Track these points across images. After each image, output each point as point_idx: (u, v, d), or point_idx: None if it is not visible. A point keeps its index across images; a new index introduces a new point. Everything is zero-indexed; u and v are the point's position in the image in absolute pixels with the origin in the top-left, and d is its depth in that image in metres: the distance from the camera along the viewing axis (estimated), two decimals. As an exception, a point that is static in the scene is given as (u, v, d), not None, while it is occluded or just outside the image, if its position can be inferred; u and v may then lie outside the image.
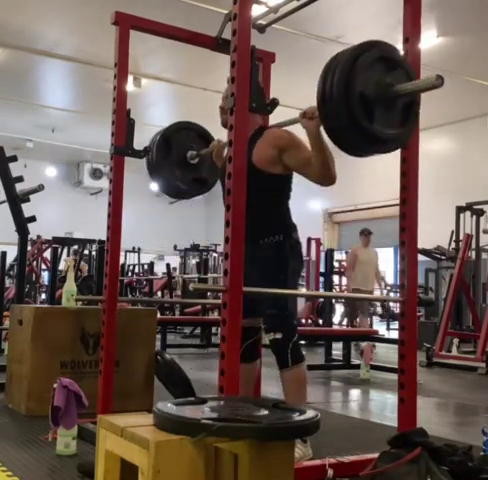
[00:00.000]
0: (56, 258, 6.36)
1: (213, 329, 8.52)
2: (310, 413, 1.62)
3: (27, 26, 8.71)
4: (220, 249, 12.48)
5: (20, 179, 5.17)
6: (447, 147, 12.36)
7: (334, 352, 6.93)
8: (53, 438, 2.77)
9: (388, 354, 8.12)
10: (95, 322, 3.32)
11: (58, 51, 9.52)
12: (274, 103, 2.33)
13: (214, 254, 14.06)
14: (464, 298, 8.36)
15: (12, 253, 6.88)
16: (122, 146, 3.01)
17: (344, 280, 11.86)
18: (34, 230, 5.95)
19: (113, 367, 3.04)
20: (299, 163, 2.67)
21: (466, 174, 11.65)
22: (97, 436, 1.74)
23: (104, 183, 15.75)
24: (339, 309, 12.59)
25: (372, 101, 2.07)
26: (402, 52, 2.34)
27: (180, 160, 3.24)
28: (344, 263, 11.86)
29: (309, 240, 10.62)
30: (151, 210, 17.24)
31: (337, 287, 11.85)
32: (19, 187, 5.20)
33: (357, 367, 6.03)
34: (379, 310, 14.50)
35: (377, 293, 10.10)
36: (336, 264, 10.99)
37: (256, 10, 2.58)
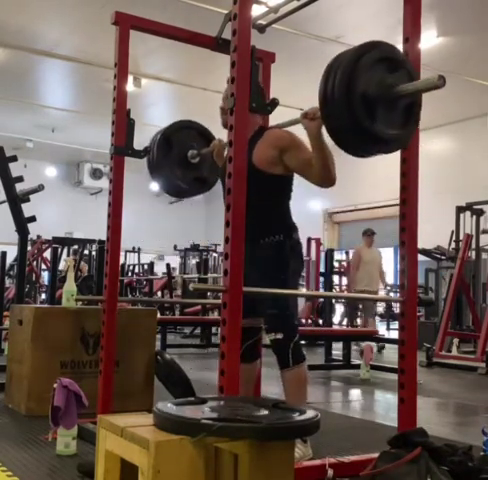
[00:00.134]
0: (56, 258, 6.36)
1: (213, 329, 8.52)
2: (310, 413, 1.62)
3: (27, 26, 8.71)
4: (220, 249, 12.49)
5: (20, 179, 5.17)
6: (447, 147, 12.36)
7: (334, 352, 6.93)
8: (53, 438, 2.77)
9: (388, 354, 8.13)
10: (95, 322, 3.32)
11: (58, 51, 9.52)
12: (274, 103, 2.33)
13: (214, 254, 14.07)
14: (464, 298, 8.36)
15: (12, 253, 6.88)
16: (122, 146, 3.01)
17: (344, 280, 11.87)
18: (34, 230, 5.95)
19: (113, 367, 3.04)
20: (299, 164, 2.67)
21: (466, 174, 11.65)
22: (97, 436, 1.74)
23: (104, 183, 15.75)
24: (339, 309, 12.58)
25: (374, 101, 2.06)
26: (402, 52, 2.34)
27: (181, 159, 3.24)
28: (344, 263, 11.88)
29: (309, 240, 10.63)
30: (151, 210, 17.25)
31: (337, 287, 11.85)
32: (19, 187, 5.20)
33: (357, 367, 6.04)
34: (380, 310, 14.49)
35: (381, 293, 10.06)
36: (336, 264, 11.00)
37: (256, 10, 2.58)
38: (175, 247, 14.43)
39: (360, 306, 11.02)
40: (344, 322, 11.76)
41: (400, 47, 2.33)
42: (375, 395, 5.13)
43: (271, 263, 2.72)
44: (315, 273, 10.46)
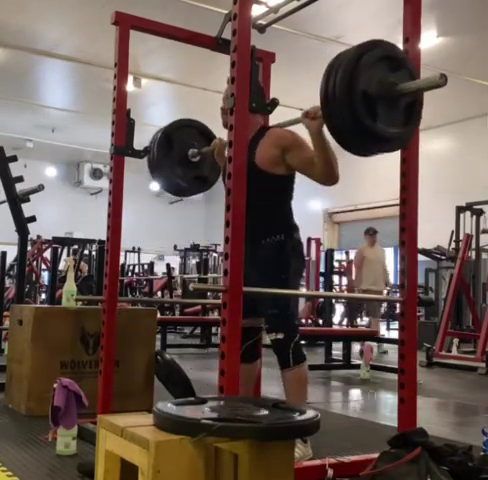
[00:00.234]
0: (56, 258, 6.36)
1: (213, 329, 8.52)
2: (310, 413, 1.62)
3: (27, 26, 8.71)
4: (220, 249, 12.48)
5: (20, 179, 5.17)
6: (447, 147, 12.36)
7: (334, 352, 6.92)
8: (53, 438, 2.77)
9: (388, 354, 8.13)
10: (95, 322, 3.32)
11: (58, 51, 9.52)
12: (274, 103, 2.33)
13: (214, 254, 14.07)
14: (464, 298, 8.35)
15: (12, 253, 6.88)
16: (122, 146, 3.01)
17: (344, 280, 11.87)
18: (34, 230, 5.95)
19: (113, 367, 3.04)
20: (302, 163, 2.67)
21: (466, 174, 11.65)
22: (97, 436, 1.74)
23: (104, 183, 15.75)
24: (339, 309, 12.58)
25: (375, 100, 2.06)
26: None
27: (181, 158, 3.24)
28: (344, 263, 11.87)
29: (309, 240, 10.62)
30: (151, 210, 17.25)
31: (337, 287, 11.84)
32: (19, 187, 5.20)
33: (357, 367, 6.03)
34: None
35: (385, 293, 9.95)
36: (336, 264, 10.99)
37: (256, 10, 2.58)
38: (175, 247, 14.43)
39: (363, 306, 11.01)
40: (344, 322, 11.75)
41: (400, 47, 2.33)
42: (375, 395, 5.12)
43: (272, 263, 2.72)
44: (315, 273, 10.46)
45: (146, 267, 13.99)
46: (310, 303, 10.02)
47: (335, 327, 10.16)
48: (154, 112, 11.86)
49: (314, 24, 7.98)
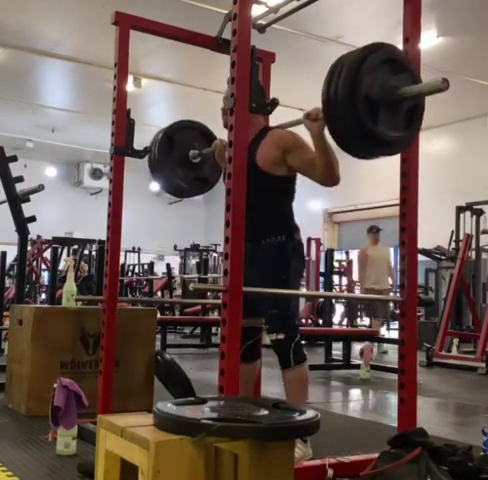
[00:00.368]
0: (56, 258, 6.36)
1: (213, 329, 8.52)
2: (310, 413, 1.62)
3: (27, 26, 8.71)
4: (220, 249, 12.48)
5: (20, 179, 5.17)
6: (447, 147, 12.35)
7: (334, 352, 6.92)
8: (53, 438, 2.77)
9: (389, 354, 8.13)
10: (95, 322, 3.32)
11: (58, 51, 9.52)
12: (274, 103, 2.33)
13: (214, 254, 14.06)
14: (464, 298, 8.35)
15: (12, 253, 6.88)
16: (122, 146, 3.02)
17: (344, 280, 11.86)
18: (34, 230, 5.95)
19: (113, 367, 3.04)
20: (303, 164, 2.68)
21: (466, 174, 11.65)
22: (97, 436, 1.74)
23: (104, 183, 15.75)
24: (339, 309, 12.58)
25: (377, 103, 2.06)
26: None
27: (182, 159, 3.24)
28: (344, 263, 11.86)
29: (309, 240, 10.63)
30: (151, 210, 17.25)
31: (337, 287, 11.84)
32: (19, 187, 5.20)
33: (357, 367, 6.03)
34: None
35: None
36: (336, 264, 10.99)
37: (256, 10, 2.58)
38: (175, 247, 14.43)
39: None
40: (344, 322, 11.75)
41: (400, 47, 2.33)
42: (375, 395, 5.13)
43: (273, 263, 2.72)
44: (315, 273, 10.46)
45: (146, 267, 13.99)
46: (310, 303, 10.02)
47: (335, 327, 10.16)
48: (154, 112, 11.87)
49: (314, 24, 7.98)
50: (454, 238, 8.69)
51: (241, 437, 1.51)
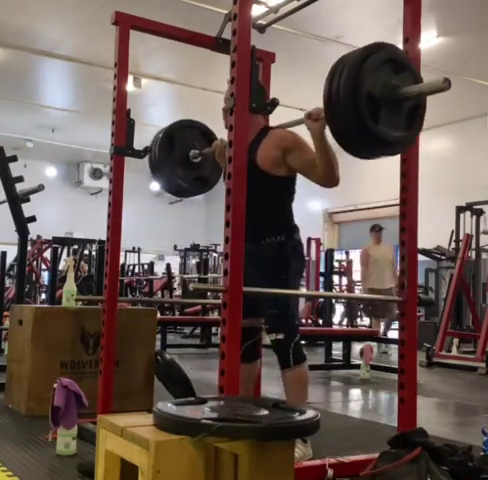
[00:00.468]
0: (56, 258, 6.36)
1: (213, 329, 8.52)
2: (310, 413, 1.62)
3: (27, 26, 8.71)
4: (220, 249, 12.48)
5: (20, 179, 5.17)
6: (447, 147, 12.35)
7: (334, 352, 6.92)
8: (53, 438, 2.77)
9: (388, 354, 8.13)
10: (95, 322, 3.32)
11: (58, 51, 9.52)
12: (274, 103, 2.33)
13: (214, 254, 14.06)
14: (464, 298, 8.35)
15: (12, 253, 6.88)
16: (122, 146, 3.02)
17: (344, 280, 11.86)
18: (34, 230, 5.95)
19: (113, 367, 3.04)
20: (303, 164, 2.67)
21: (466, 174, 11.65)
22: (97, 436, 1.74)
23: (104, 183, 15.75)
24: (339, 309, 12.58)
25: (379, 103, 2.06)
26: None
27: (182, 158, 3.24)
28: (344, 263, 11.86)
29: (309, 240, 10.62)
30: (151, 210, 17.25)
31: (337, 287, 11.84)
32: (19, 187, 5.20)
33: (357, 367, 6.03)
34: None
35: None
36: (336, 264, 10.98)
37: (256, 10, 2.58)
38: (175, 247, 14.42)
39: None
40: (344, 322, 11.75)
41: (400, 47, 2.33)
42: (375, 395, 5.13)
43: (272, 263, 2.72)
44: (315, 273, 10.46)
45: (146, 267, 13.99)
46: (310, 303, 10.02)
47: (335, 327, 10.16)
48: (154, 112, 11.86)
49: (314, 24, 7.98)
50: (454, 238, 8.69)
51: (241, 437, 1.51)
